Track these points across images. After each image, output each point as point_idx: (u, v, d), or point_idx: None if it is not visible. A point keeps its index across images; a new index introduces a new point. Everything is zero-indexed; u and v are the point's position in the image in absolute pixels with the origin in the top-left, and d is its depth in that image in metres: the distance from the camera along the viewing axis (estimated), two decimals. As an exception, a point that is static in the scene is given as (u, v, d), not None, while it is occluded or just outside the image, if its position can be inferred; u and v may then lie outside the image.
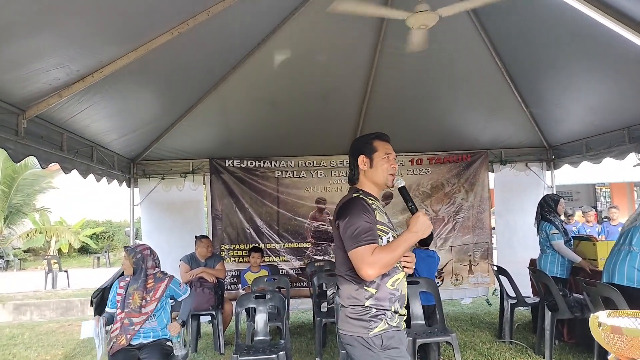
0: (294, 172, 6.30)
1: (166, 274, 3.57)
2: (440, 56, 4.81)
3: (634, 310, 1.08)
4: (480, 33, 4.62)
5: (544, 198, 5.06)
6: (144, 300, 3.36)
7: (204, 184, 6.24)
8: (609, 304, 3.56)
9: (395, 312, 1.94)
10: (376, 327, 1.87)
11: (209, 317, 5.11)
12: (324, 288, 5.03)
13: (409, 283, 4.18)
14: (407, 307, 4.05)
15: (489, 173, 6.54)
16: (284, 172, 6.28)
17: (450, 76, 5.20)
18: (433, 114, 5.87)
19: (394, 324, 1.94)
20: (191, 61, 4.20)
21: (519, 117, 5.85)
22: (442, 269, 6.37)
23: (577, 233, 6.71)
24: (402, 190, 2.05)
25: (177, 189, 6.13)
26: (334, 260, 6.25)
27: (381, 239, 1.93)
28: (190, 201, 6.17)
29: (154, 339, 3.38)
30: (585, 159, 5.87)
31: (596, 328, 1.01)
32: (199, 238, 5.24)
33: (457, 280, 6.42)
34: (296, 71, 4.92)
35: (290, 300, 6.11)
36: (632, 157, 5.18)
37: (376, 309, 1.89)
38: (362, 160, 2.06)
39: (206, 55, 4.29)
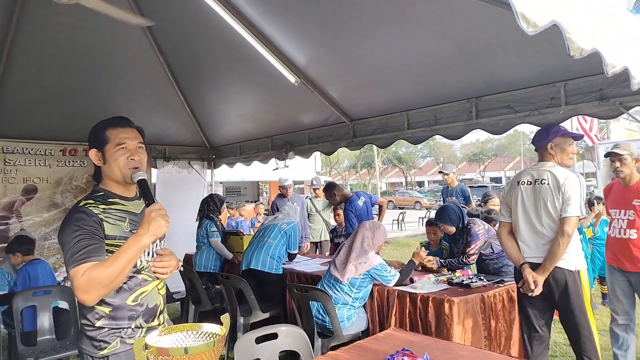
0: None
1: None
2: (96, 40, 4.36)
3: (190, 324, 1.11)
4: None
5: (210, 196, 5.29)
6: None
7: None
8: (242, 293, 4.02)
9: (139, 327, 1.73)
10: (106, 347, 1.67)
11: None
12: None
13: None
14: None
15: (152, 169, 6.44)
16: None
17: (109, 63, 4.76)
18: (92, 100, 5.25)
19: (133, 342, 1.67)
20: None
21: (182, 116, 5.97)
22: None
23: (234, 228, 7.39)
24: (141, 183, 1.73)
25: None
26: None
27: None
28: None
29: None
30: (239, 160, 6.55)
31: (141, 352, 0.96)
32: None
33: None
34: None
35: None
36: (272, 162, 6.10)
37: (110, 328, 1.67)
38: (93, 155, 1.76)
39: None
